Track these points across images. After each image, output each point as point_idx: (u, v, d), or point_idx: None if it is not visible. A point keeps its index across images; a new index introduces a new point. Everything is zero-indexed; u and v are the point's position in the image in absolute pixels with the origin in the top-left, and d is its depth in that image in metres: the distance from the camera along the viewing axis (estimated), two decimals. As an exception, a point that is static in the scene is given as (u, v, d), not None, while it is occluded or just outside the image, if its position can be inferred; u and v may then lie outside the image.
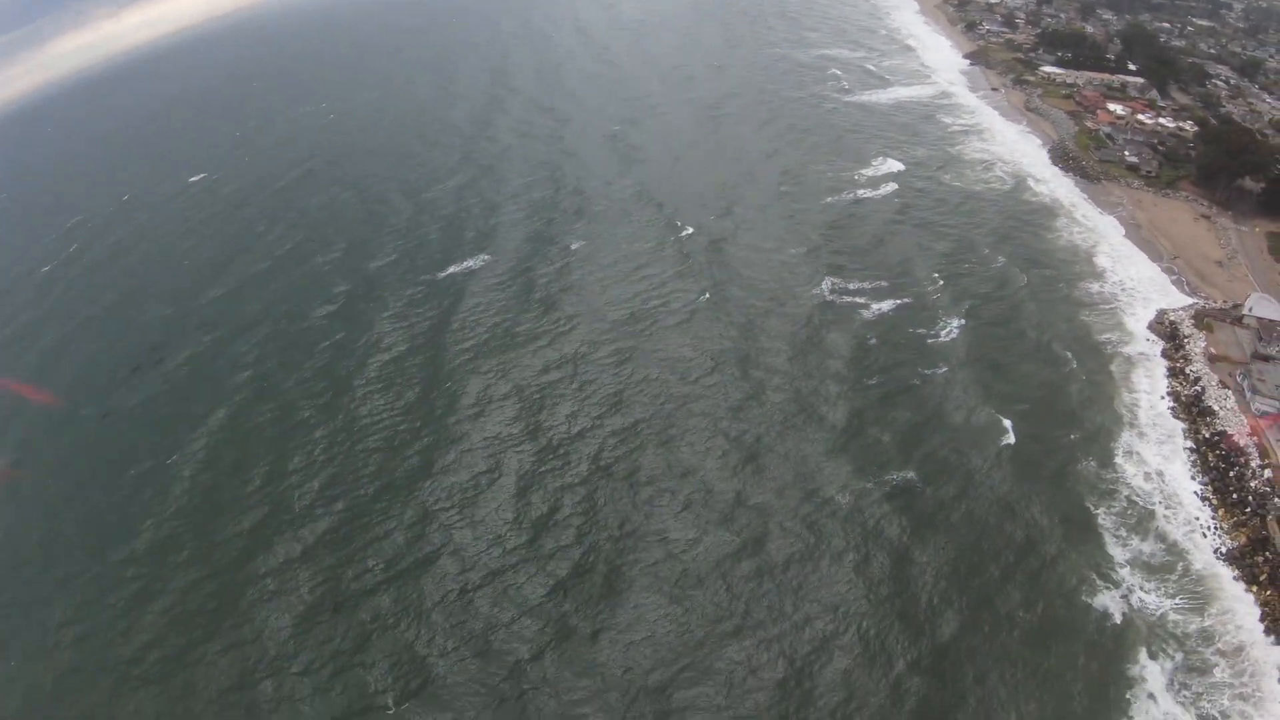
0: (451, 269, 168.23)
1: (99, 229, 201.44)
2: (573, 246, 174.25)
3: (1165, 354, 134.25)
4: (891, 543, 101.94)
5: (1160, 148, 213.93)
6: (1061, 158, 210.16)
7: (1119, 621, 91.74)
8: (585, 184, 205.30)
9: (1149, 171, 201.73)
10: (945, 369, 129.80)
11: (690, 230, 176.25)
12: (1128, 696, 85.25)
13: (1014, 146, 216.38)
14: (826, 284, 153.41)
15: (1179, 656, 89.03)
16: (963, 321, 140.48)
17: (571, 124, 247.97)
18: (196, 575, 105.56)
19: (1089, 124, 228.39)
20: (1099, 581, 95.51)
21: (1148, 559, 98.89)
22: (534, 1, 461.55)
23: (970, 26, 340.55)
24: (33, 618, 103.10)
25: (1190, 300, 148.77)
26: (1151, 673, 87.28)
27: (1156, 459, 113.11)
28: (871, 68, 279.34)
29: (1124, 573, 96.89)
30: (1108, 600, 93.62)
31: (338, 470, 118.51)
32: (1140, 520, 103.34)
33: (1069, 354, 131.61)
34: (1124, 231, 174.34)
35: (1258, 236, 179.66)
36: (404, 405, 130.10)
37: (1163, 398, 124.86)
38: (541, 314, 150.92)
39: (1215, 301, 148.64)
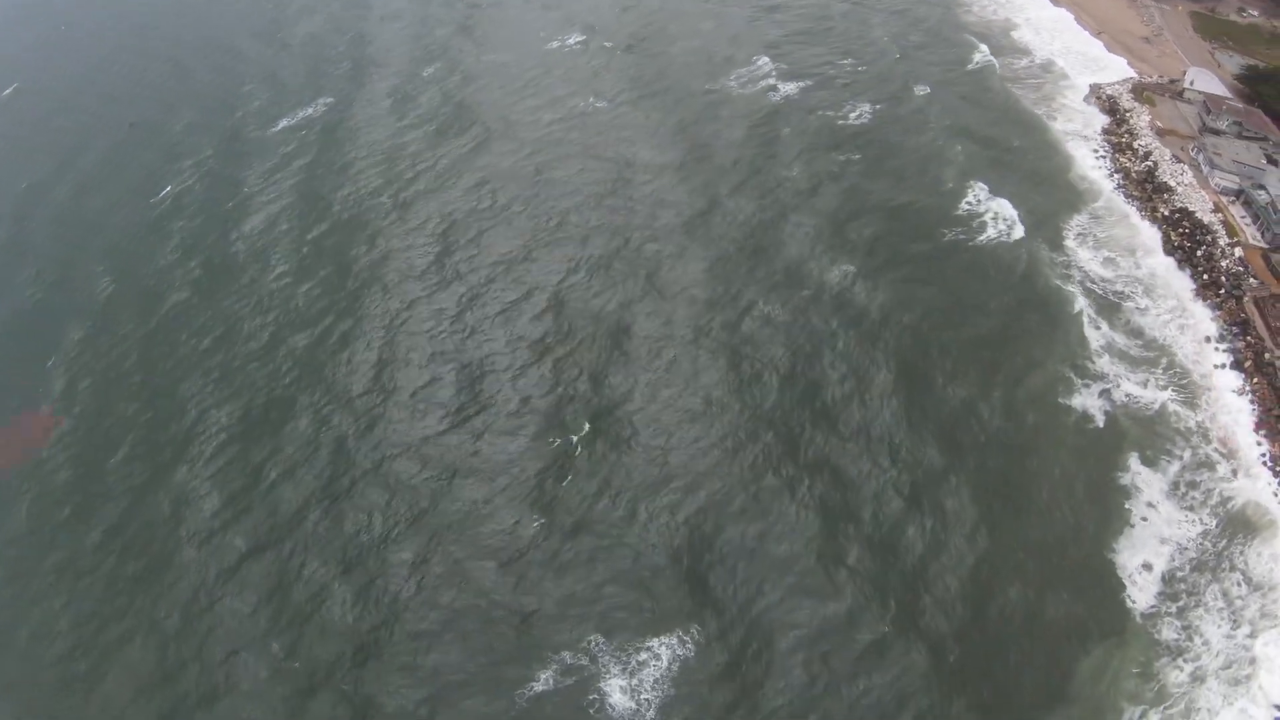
0: (326, 107, 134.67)
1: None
2: (464, 63, 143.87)
3: (1106, 130, 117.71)
4: (865, 345, 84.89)
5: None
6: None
7: (1102, 425, 76.56)
8: None
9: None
10: (866, 155, 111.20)
11: (598, 27, 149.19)
12: (1127, 506, 70.81)
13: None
14: (757, 66, 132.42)
15: (1175, 457, 75.32)
16: (877, 105, 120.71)
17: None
18: (94, 540, 75.29)
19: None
20: (1077, 379, 79.70)
21: (1125, 348, 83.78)
22: None
23: None
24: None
25: (1125, 74, 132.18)
26: (1147, 480, 72.88)
27: (1116, 241, 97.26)
28: None
29: (1103, 365, 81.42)
30: (1088, 400, 78.13)
31: (229, 368, 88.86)
32: (1109, 307, 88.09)
33: (1004, 129, 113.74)
34: (1044, 10, 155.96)
35: (1181, 15, 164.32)
36: (292, 272, 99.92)
37: (1110, 175, 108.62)
38: (440, 139, 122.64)
39: (1150, 76, 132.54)
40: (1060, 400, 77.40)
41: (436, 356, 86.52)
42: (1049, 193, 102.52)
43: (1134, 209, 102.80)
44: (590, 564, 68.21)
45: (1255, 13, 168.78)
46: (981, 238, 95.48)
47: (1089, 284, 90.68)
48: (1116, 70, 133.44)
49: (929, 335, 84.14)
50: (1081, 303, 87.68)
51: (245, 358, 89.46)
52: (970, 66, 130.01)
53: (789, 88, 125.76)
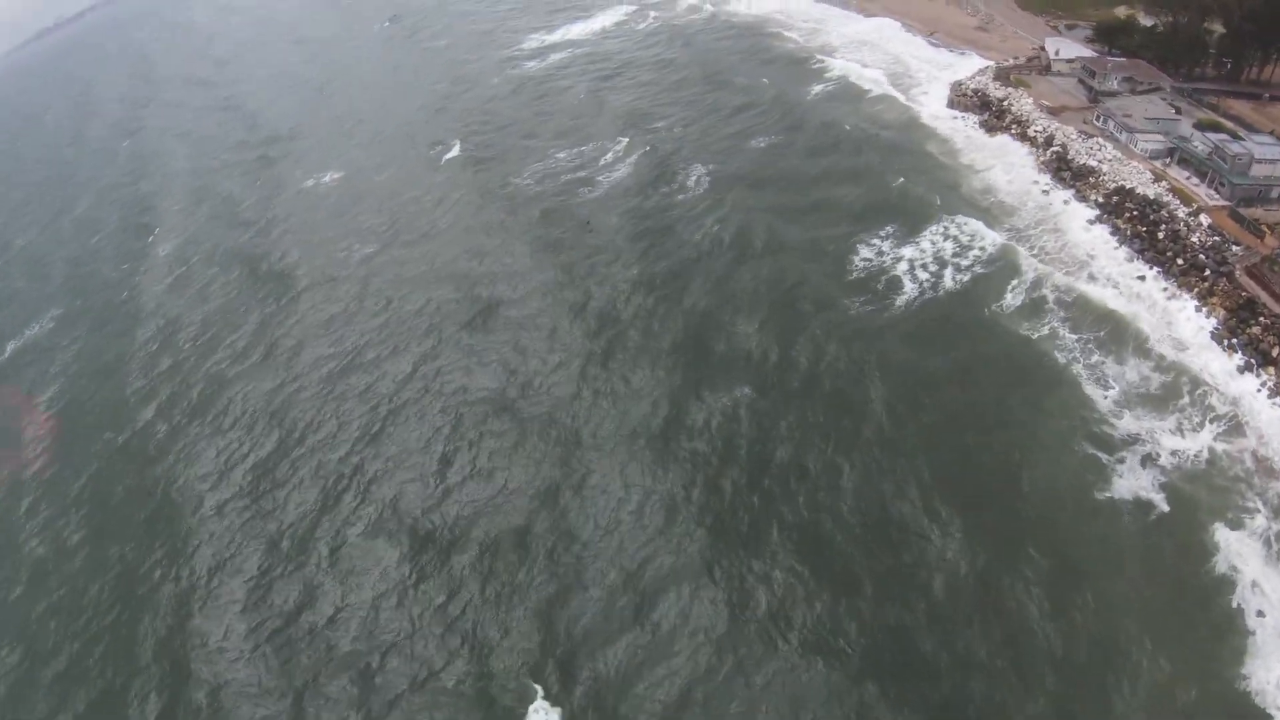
0: (92, 298, 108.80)
1: None
2: (249, 211, 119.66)
3: (986, 125, 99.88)
4: (837, 477, 59.10)
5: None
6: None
7: (1165, 506, 54.02)
8: (268, 126, 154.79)
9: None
10: (708, 225, 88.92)
11: (415, 137, 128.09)
12: (1236, 605, 49.26)
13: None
14: (619, 145, 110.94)
15: (1253, 509, 54.09)
16: (710, 166, 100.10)
17: (240, 85, 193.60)
18: None
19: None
20: (1107, 457, 57.05)
21: (1136, 392, 62.15)
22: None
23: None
24: None
25: (980, 65, 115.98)
26: (1240, 551, 51.55)
27: (1056, 256, 77.10)
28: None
29: (1125, 425, 59.26)
30: (1132, 480, 55.52)
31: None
32: (1093, 344, 66.61)
33: (877, 160, 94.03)
34: (860, 24, 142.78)
35: None
36: (29, 573, 69.08)
37: (1020, 171, 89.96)
38: (235, 309, 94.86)
39: (1007, 60, 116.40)
40: (1102, 494, 54.57)
41: (274, 660, 55.61)
42: (955, 220, 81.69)
43: (1057, 208, 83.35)
44: None
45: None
46: (905, 297, 73.40)
47: (1055, 322, 69.16)
48: (968, 64, 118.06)
49: (909, 448, 59.89)
50: (1061, 350, 66.01)
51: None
52: (815, 95, 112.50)
53: (663, 155, 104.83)
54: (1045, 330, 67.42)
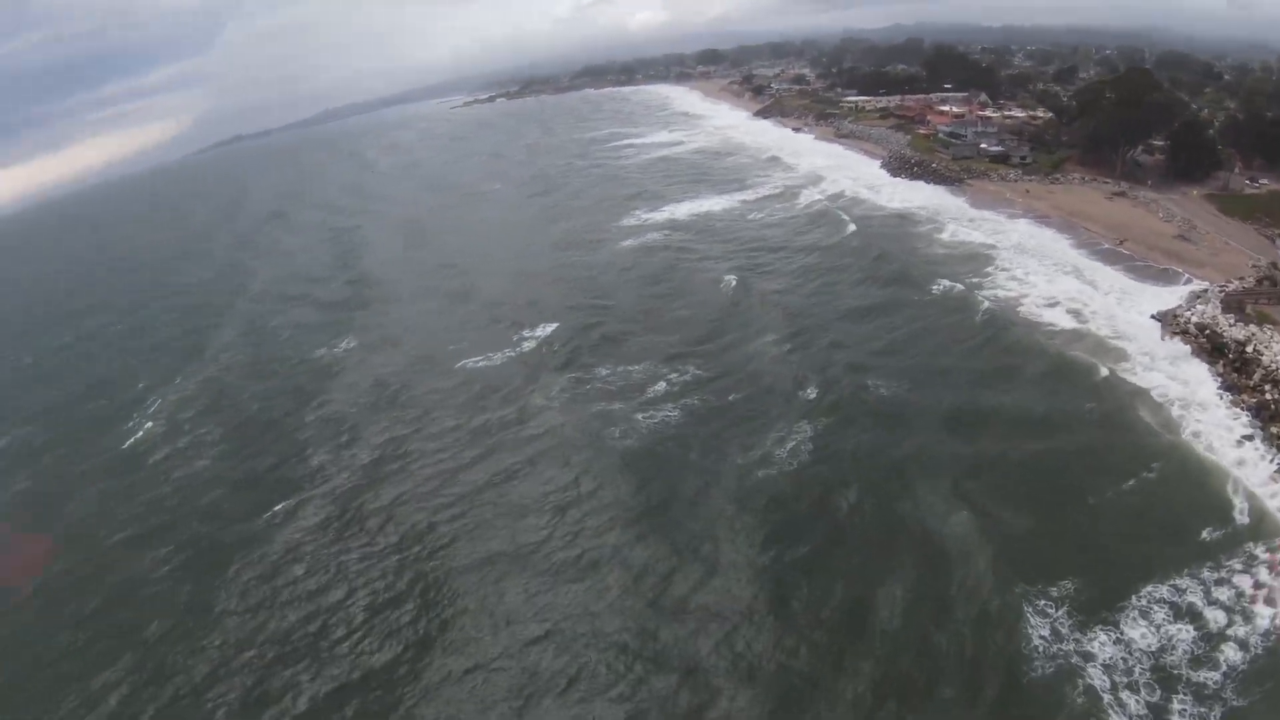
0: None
1: None
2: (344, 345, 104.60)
3: (1224, 382, 70.64)
4: None
5: (1020, 136, 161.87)
6: (902, 167, 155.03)
7: None
8: (357, 265, 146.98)
9: (1023, 158, 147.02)
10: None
11: (521, 327, 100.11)
12: None
13: (841, 166, 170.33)
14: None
15: None
16: (812, 426, 69.02)
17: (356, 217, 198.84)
18: None
19: (921, 131, 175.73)
20: None
21: None
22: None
23: (759, 90, 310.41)
24: None
25: (1194, 288, 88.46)
26: None
27: None
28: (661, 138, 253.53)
29: None
30: None
31: None
32: None
33: (1061, 441, 64.22)
34: (1021, 225, 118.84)
35: (1197, 201, 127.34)
36: None
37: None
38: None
39: (1232, 282, 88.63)
40: None
41: None
42: (1191, 581, 47.89)
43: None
44: None
45: (1265, 181, 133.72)
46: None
47: None
48: (1175, 287, 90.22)
49: None
50: None
51: None
52: (972, 325, 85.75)
53: (813, 376, 77.13)
54: None
